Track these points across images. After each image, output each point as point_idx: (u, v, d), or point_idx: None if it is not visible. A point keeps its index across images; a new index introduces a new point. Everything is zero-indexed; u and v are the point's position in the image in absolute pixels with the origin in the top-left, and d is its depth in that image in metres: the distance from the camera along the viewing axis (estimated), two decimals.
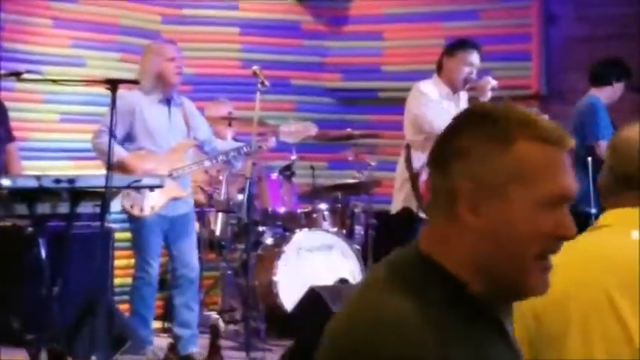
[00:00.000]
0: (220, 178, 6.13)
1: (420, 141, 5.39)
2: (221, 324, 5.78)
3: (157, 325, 5.83)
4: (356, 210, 6.39)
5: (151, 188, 4.73)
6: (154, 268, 5.21)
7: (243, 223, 5.93)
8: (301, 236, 6.00)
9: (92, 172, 5.44)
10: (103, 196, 4.25)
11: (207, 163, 5.52)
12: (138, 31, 6.97)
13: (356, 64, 7.64)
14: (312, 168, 6.65)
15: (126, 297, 5.72)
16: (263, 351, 5.41)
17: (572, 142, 1.39)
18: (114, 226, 5.97)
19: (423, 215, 5.29)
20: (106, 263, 5.40)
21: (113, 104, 4.36)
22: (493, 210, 1.34)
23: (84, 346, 4.26)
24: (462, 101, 5.60)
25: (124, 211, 5.17)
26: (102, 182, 4.23)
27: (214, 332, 4.68)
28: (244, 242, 5.92)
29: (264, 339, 5.63)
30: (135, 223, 5.21)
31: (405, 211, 5.42)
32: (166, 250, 5.38)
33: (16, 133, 5.74)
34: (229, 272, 6.31)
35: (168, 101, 5.28)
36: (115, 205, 4.72)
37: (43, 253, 4.25)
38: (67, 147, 6.60)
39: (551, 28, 7.10)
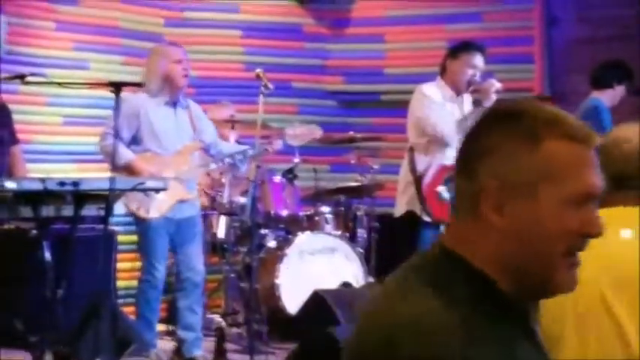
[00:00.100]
0: (223, 180, 6.12)
1: (424, 144, 5.40)
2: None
3: (160, 327, 5.82)
4: (358, 213, 6.36)
5: (156, 191, 4.74)
6: (160, 272, 5.18)
7: (246, 225, 5.93)
8: (304, 239, 5.99)
9: (96, 175, 5.45)
10: (107, 199, 4.25)
11: (213, 166, 5.52)
12: (140, 34, 6.98)
13: (358, 67, 7.60)
14: (315, 171, 6.64)
15: (130, 300, 5.71)
16: (266, 354, 5.39)
17: (598, 140, 1.38)
18: (118, 228, 5.96)
19: (426, 218, 5.29)
20: (108, 266, 5.39)
21: (117, 107, 4.36)
22: (519, 209, 1.34)
23: (88, 348, 4.25)
24: (466, 104, 5.57)
25: (130, 213, 5.16)
26: (106, 185, 4.24)
27: (220, 335, 4.68)
28: (247, 245, 5.91)
29: (267, 342, 5.62)
30: (141, 225, 5.18)
31: (409, 215, 5.40)
32: (171, 252, 5.37)
33: (19, 136, 5.73)
34: (232, 275, 6.29)
35: (174, 104, 5.27)
36: (118, 208, 4.72)
37: (48, 256, 4.25)
38: (71, 150, 6.61)
39: (553, 30, 7.09)
